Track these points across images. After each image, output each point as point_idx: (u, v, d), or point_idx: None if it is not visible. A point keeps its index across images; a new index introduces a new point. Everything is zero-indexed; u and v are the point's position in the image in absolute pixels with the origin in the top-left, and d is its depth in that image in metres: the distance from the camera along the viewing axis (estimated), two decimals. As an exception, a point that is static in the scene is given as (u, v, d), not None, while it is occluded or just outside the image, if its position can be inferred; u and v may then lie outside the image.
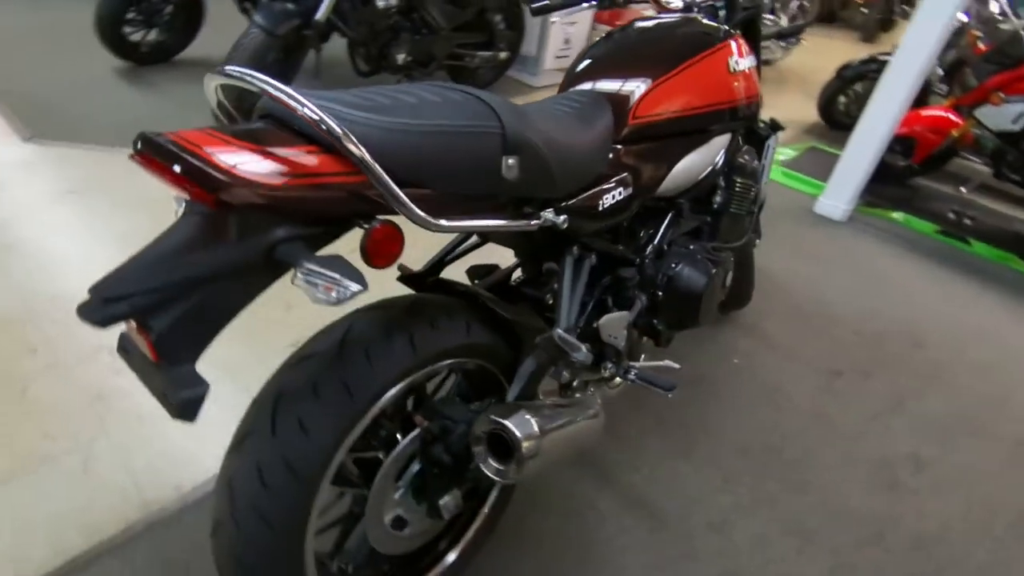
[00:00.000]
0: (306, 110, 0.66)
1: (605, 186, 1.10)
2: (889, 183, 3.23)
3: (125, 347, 0.73)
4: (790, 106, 4.44)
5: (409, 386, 0.92)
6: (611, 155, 1.13)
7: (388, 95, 0.80)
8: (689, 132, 1.27)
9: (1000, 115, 3.01)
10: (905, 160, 3.27)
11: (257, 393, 0.86)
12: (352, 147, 0.67)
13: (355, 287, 0.66)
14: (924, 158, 3.23)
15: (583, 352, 1.06)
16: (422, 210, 0.75)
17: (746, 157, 1.46)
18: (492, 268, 1.34)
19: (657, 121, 1.19)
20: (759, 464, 1.62)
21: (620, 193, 1.13)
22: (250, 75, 0.68)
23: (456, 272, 1.22)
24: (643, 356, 1.42)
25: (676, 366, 1.39)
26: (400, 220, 0.77)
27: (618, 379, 1.29)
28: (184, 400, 0.67)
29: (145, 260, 0.66)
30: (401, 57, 3.12)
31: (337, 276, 0.66)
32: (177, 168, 0.62)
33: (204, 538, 0.86)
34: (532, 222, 0.95)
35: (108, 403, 1.50)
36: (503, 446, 0.89)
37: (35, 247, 1.98)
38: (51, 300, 1.77)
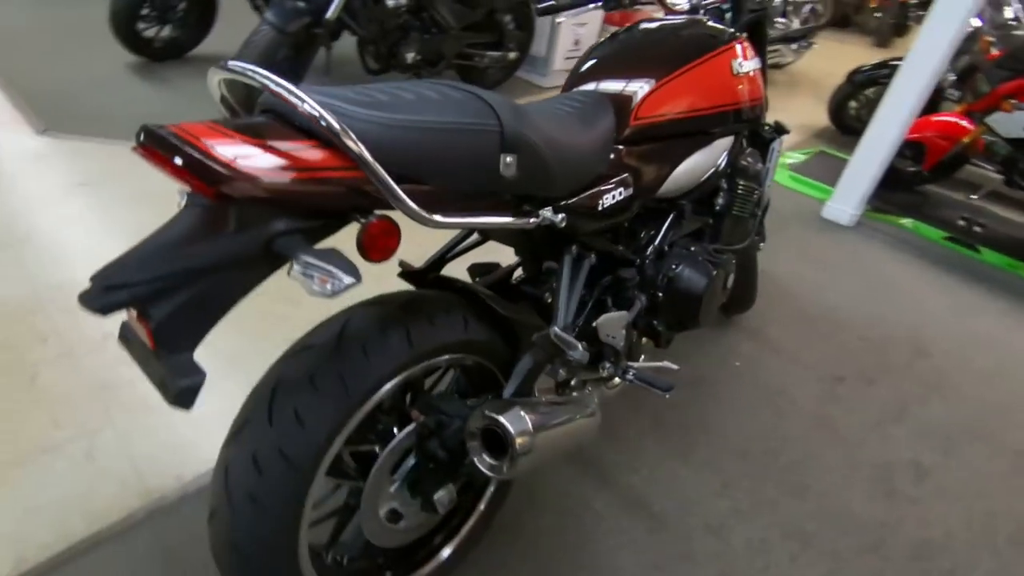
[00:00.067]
0: (306, 106, 0.67)
1: (605, 186, 1.10)
2: (898, 189, 3.20)
3: (126, 336, 0.74)
4: (801, 110, 4.42)
5: (406, 380, 0.93)
6: (612, 155, 1.14)
7: (388, 92, 0.81)
8: (692, 133, 1.27)
9: (1012, 122, 2.98)
10: (915, 166, 3.24)
11: (256, 384, 0.88)
12: (350, 143, 0.69)
13: (348, 279, 0.67)
14: (934, 164, 3.21)
15: (579, 351, 1.06)
16: (420, 206, 0.76)
17: (749, 159, 1.45)
18: (493, 266, 1.34)
19: (659, 122, 1.19)
20: (759, 467, 1.62)
21: (620, 193, 1.13)
22: (252, 70, 0.69)
23: (458, 270, 1.23)
24: (643, 357, 1.42)
25: (675, 367, 1.40)
26: (398, 216, 0.78)
27: (616, 379, 1.30)
28: (182, 388, 0.69)
29: (146, 250, 0.68)
30: (410, 56, 3.14)
31: (332, 268, 0.67)
32: (178, 160, 0.63)
33: (203, 527, 0.87)
34: (530, 220, 0.96)
35: (113, 392, 1.52)
36: (497, 442, 0.90)
37: (47, 238, 2.01)
38: (62, 290, 1.80)
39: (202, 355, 0.72)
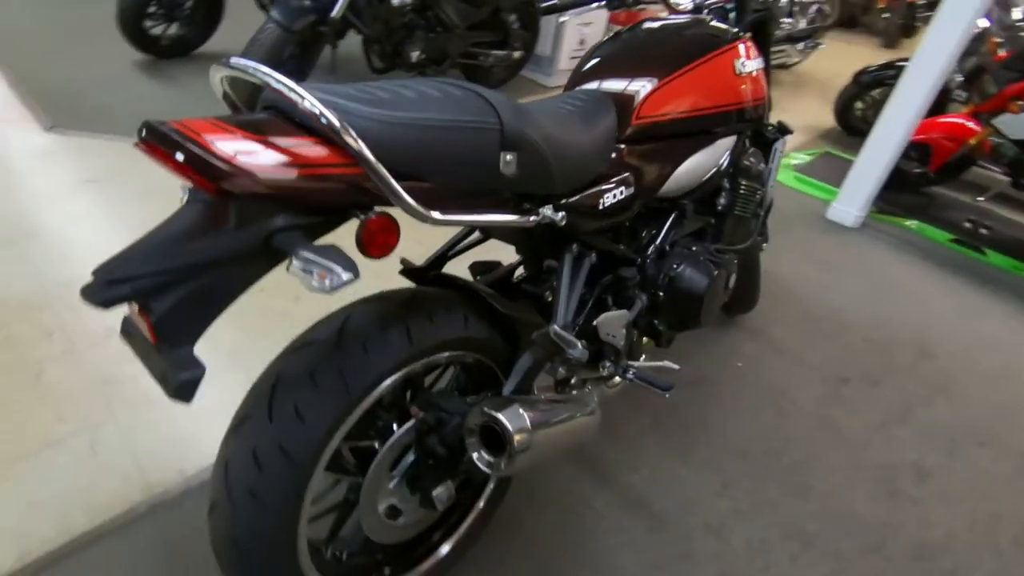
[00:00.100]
0: (306, 102, 0.67)
1: (606, 185, 1.11)
2: (904, 190, 3.19)
3: (128, 330, 0.75)
4: (807, 110, 4.41)
5: (406, 377, 0.94)
6: (614, 154, 1.14)
7: (389, 89, 0.82)
8: (693, 133, 1.27)
9: (1019, 123, 2.96)
10: (921, 167, 3.23)
11: (256, 379, 0.88)
12: (350, 139, 0.69)
13: (347, 275, 0.67)
14: (940, 166, 3.19)
15: (579, 349, 1.06)
16: (420, 203, 0.76)
17: (752, 159, 1.45)
18: (494, 265, 1.35)
19: (661, 121, 1.19)
20: (760, 468, 1.61)
21: (621, 192, 1.14)
22: (253, 67, 0.70)
23: (459, 269, 1.23)
24: (643, 356, 1.42)
25: (675, 367, 1.40)
26: (398, 213, 0.78)
27: (616, 378, 1.30)
28: (181, 381, 0.69)
29: (148, 245, 0.68)
30: (415, 55, 3.15)
31: (330, 264, 0.67)
32: (179, 156, 0.64)
33: (204, 522, 0.88)
34: (530, 218, 0.96)
35: (116, 387, 1.53)
36: (495, 438, 0.90)
37: (54, 234, 2.02)
38: (68, 287, 1.81)
39: (203, 350, 0.73)
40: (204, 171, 0.64)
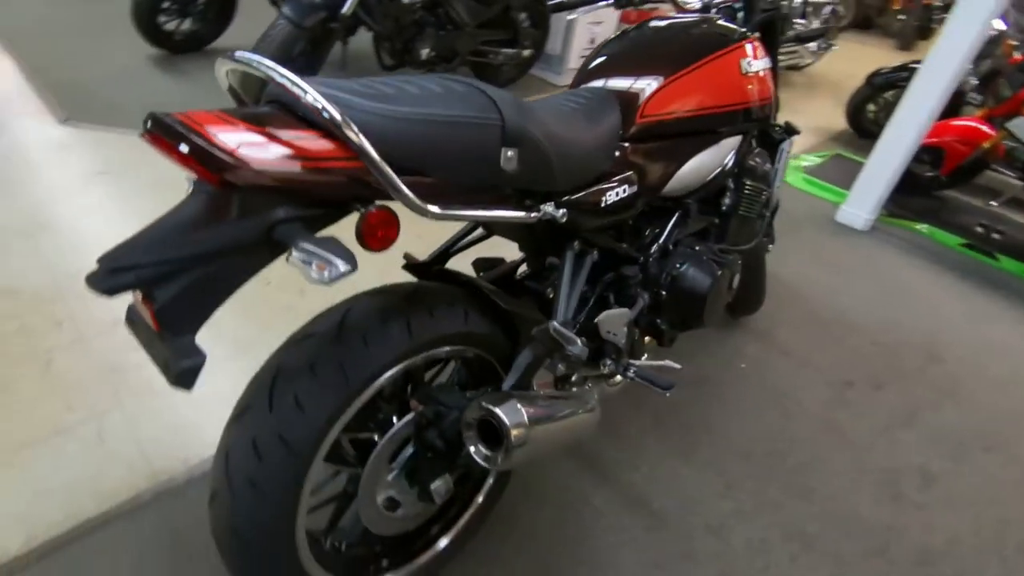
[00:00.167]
0: (309, 97, 0.68)
1: (609, 183, 1.11)
2: (915, 194, 3.15)
3: (132, 318, 0.76)
4: (819, 112, 4.37)
5: (406, 370, 0.95)
6: (617, 152, 1.14)
7: (392, 85, 0.83)
8: (698, 132, 1.27)
9: (1034, 127, 2.92)
10: (933, 171, 3.19)
11: (258, 370, 0.89)
12: (351, 134, 0.70)
13: (345, 267, 0.68)
14: (952, 169, 3.15)
15: (578, 346, 1.07)
16: (422, 198, 0.77)
17: (758, 160, 1.45)
18: (498, 261, 1.35)
19: (665, 120, 1.19)
20: (762, 469, 1.61)
21: (624, 191, 1.14)
22: (258, 61, 0.71)
23: (463, 265, 1.24)
24: (645, 356, 1.42)
25: (677, 366, 1.39)
26: (398, 207, 0.79)
27: (617, 376, 1.30)
28: (182, 369, 0.70)
29: (152, 234, 0.69)
30: (425, 52, 3.16)
31: (330, 256, 0.68)
32: (183, 148, 0.65)
33: (206, 510, 0.89)
34: (531, 215, 0.96)
35: (123, 375, 1.56)
36: (493, 433, 0.91)
37: (67, 226, 2.05)
38: (78, 277, 1.84)
39: (208, 340, 0.74)
40: (207, 162, 0.65)
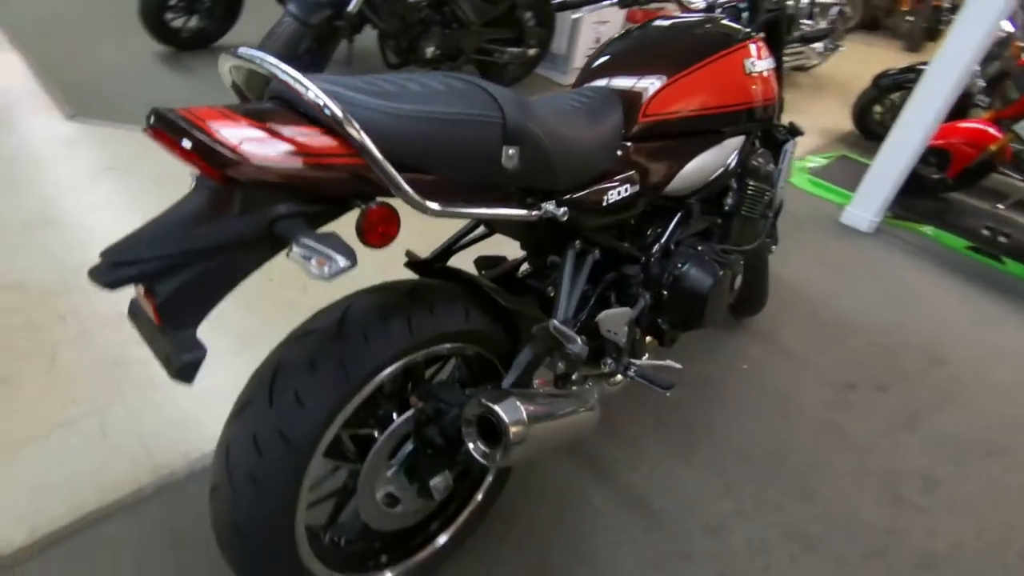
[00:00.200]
0: (310, 93, 0.68)
1: (611, 182, 1.11)
2: (921, 196, 3.14)
3: (135, 311, 0.77)
4: (825, 113, 4.35)
5: (406, 367, 0.95)
6: (619, 151, 1.14)
7: (394, 82, 0.83)
8: (701, 132, 1.27)
9: (1042, 130, 2.90)
10: (939, 173, 3.18)
11: (259, 365, 0.90)
12: (352, 130, 0.70)
13: (345, 263, 0.69)
14: (959, 172, 3.14)
15: (578, 344, 1.07)
16: (423, 195, 0.77)
17: (761, 160, 1.44)
18: (500, 259, 1.35)
19: (668, 120, 1.19)
20: (763, 470, 1.61)
21: (626, 190, 1.14)
22: (260, 57, 0.71)
23: (465, 263, 1.24)
24: (646, 355, 1.42)
25: (678, 366, 1.39)
26: (399, 204, 0.79)
27: (618, 375, 1.30)
28: (183, 363, 0.71)
29: (155, 229, 0.70)
30: (430, 50, 3.17)
31: (330, 252, 0.69)
32: (186, 143, 0.65)
33: (207, 504, 0.90)
34: (532, 213, 0.97)
35: (125, 369, 1.57)
36: (491, 430, 0.91)
37: (73, 221, 2.07)
38: (83, 272, 1.85)
39: (210, 335, 0.74)
40: (209, 158, 0.65)
